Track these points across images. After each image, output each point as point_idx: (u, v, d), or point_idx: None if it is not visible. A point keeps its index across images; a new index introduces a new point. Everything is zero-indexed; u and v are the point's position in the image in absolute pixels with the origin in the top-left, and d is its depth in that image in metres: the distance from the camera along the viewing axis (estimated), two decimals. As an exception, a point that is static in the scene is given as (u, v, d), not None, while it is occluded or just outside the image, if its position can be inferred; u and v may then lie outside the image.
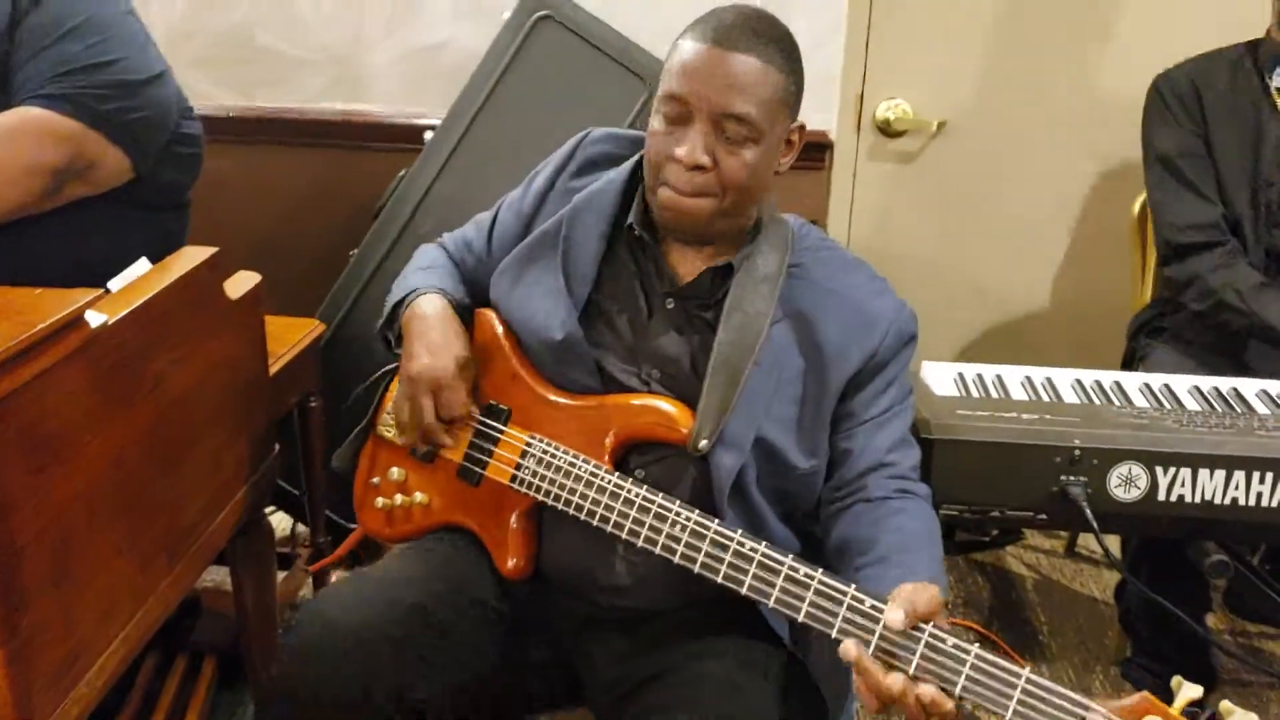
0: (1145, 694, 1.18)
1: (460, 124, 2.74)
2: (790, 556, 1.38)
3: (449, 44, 3.02)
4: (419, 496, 1.69)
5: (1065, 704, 1.20)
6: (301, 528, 2.96)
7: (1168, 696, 1.19)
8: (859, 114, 3.10)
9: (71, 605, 1.35)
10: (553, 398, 1.61)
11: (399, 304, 1.70)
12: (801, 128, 1.56)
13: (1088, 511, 1.64)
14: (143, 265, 1.63)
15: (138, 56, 2.08)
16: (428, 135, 2.81)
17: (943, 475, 1.69)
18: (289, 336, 2.38)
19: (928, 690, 1.25)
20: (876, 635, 1.29)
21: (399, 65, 3.07)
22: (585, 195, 1.63)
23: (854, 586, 1.33)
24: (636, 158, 1.62)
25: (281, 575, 2.69)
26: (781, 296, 1.55)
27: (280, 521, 3.01)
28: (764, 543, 1.40)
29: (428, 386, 1.60)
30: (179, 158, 2.18)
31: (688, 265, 1.59)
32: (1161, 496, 1.67)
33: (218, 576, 2.80)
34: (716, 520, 1.44)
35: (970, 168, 3.11)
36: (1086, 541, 3.12)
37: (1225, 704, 1.20)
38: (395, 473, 1.71)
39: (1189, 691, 1.19)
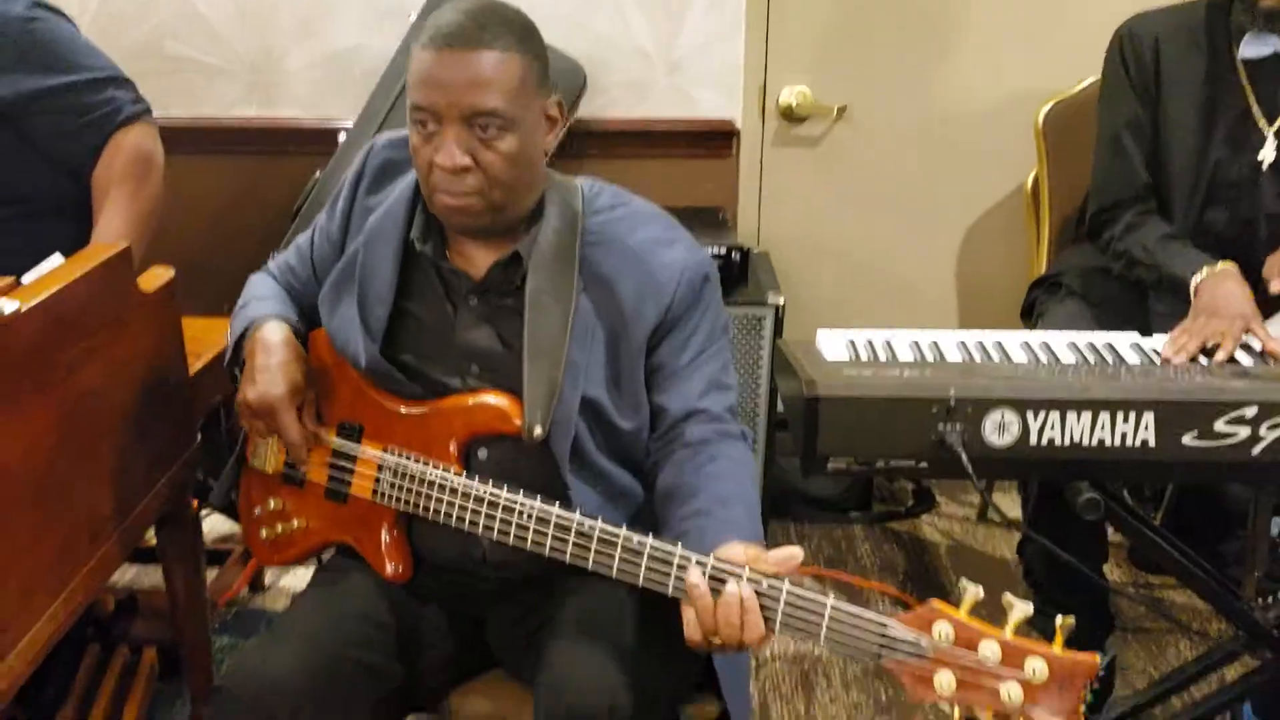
0: (932, 601, 1.30)
1: (372, 125, 2.82)
2: (623, 529, 1.45)
3: (359, 49, 3.09)
4: (297, 523, 1.75)
5: (867, 623, 1.32)
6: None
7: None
8: (763, 101, 3.21)
9: (-6, 581, 1.42)
10: (397, 408, 1.66)
11: (242, 338, 1.72)
12: (559, 102, 1.57)
13: (964, 457, 1.73)
14: (55, 259, 1.70)
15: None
16: (341, 137, 2.89)
17: (829, 431, 1.77)
18: (211, 337, 2.44)
19: (746, 589, 1.35)
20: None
21: (311, 71, 3.14)
22: (375, 220, 1.67)
23: (680, 546, 1.41)
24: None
25: (215, 571, 2.76)
26: (581, 266, 1.59)
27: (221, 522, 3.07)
28: (599, 519, 1.47)
29: (261, 410, 1.63)
30: None
31: (476, 262, 1.63)
32: (1033, 441, 1.76)
33: (155, 578, 2.86)
34: (559, 505, 1.51)
35: (871, 150, 3.24)
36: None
37: (1006, 596, 1.28)
38: (273, 503, 1.77)
39: (1020, 610, 1.27)
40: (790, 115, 3.22)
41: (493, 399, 1.60)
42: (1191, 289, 2.20)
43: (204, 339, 2.40)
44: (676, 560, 1.41)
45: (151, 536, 2.06)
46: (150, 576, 2.90)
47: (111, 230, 2.19)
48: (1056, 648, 1.26)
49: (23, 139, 2.17)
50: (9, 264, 2.09)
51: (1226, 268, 2.20)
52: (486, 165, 1.50)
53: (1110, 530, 3.08)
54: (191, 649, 2.18)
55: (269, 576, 2.90)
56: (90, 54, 2.25)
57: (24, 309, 1.46)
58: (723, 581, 1.37)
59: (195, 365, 2.23)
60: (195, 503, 2.13)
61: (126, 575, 2.88)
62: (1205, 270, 2.20)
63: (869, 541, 3.16)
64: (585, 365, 1.58)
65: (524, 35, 1.51)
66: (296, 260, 1.83)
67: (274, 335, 1.68)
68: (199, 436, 2.05)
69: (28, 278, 1.61)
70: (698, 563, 1.39)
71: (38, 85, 2.15)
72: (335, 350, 1.71)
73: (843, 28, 3.16)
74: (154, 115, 2.35)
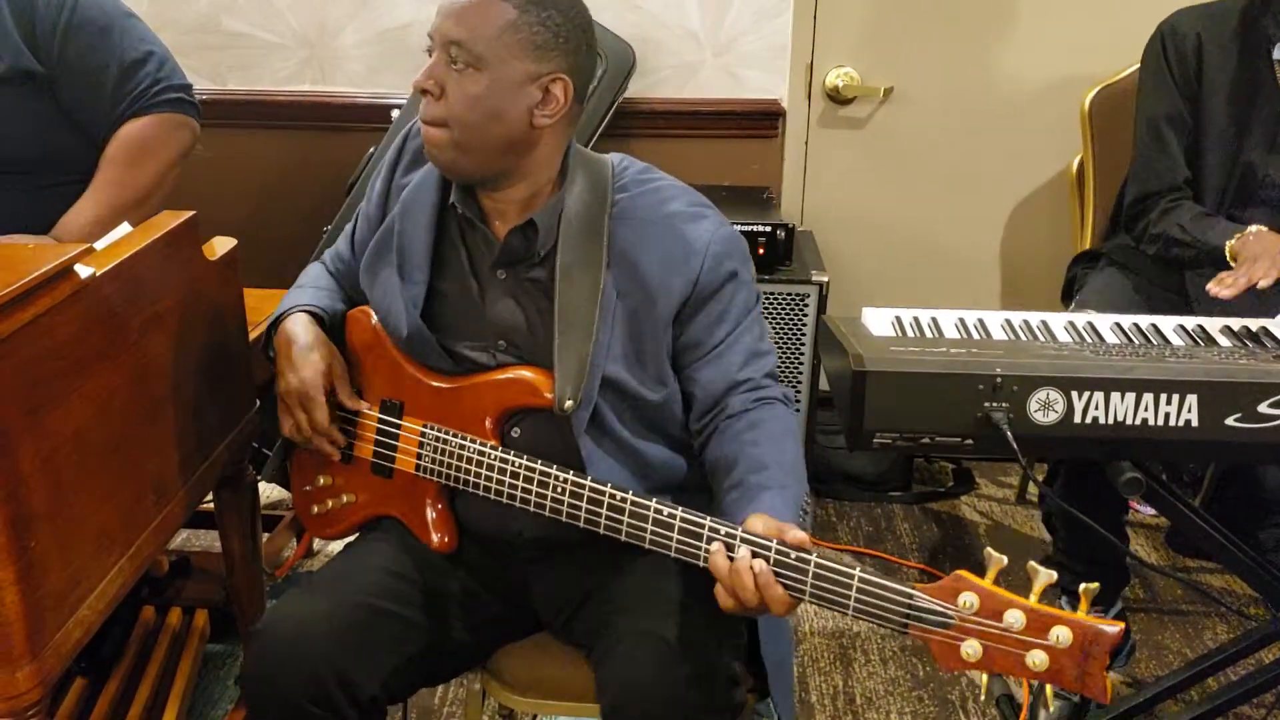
0: (958, 571, 1.32)
1: (425, 101, 2.85)
2: (653, 500, 1.50)
3: (412, 25, 3.14)
4: (346, 497, 1.81)
5: (893, 594, 1.34)
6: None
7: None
8: (809, 82, 3.23)
9: (70, 535, 1.47)
10: (435, 384, 1.70)
11: (274, 326, 1.79)
12: (563, 80, 1.55)
13: (1009, 434, 1.76)
14: (124, 228, 1.75)
15: (159, 42, 2.32)
16: (394, 114, 2.93)
17: (876, 406, 1.79)
18: (267, 307, 2.47)
19: (758, 563, 1.38)
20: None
21: (364, 47, 3.19)
22: (411, 189, 1.71)
23: (709, 519, 1.45)
24: None
25: (266, 536, 2.83)
26: (609, 241, 1.62)
27: (268, 489, 3.14)
28: (631, 493, 1.51)
29: (295, 401, 1.71)
30: None
31: (499, 233, 1.66)
32: (1077, 419, 1.78)
33: (206, 540, 2.94)
34: (591, 478, 1.55)
35: (917, 131, 3.25)
36: (1035, 489, 3.26)
37: (1030, 565, 1.30)
38: (322, 480, 1.83)
39: (1044, 577, 1.28)
40: (837, 96, 3.24)
41: (523, 373, 1.64)
42: (1228, 252, 2.24)
43: (260, 308, 2.46)
44: (706, 532, 1.45)
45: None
46: (201, 539, 2.98)
47: (79, 215, 2.20)
48: (1081, 614, 1.28)
49: (61, 108, 2.20)
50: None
51: (1259, 227, 2.24)
52: (450, 97, 1.53)
53: (1150, 513, 3.12)
54: (246, 611, 2.23)
55: (317, 542, 2.97)
56: (125, 36, 2.24)
57: (98, 274, 1.51)
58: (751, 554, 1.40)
59: (251, 334, 2.29)
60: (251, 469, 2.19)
61: (178, 538, 2.95)
62: (1237, 235, 2.25)
63: (908, 521, 3.19)
64: (608, 344, 1.61)
65: (535, 1, 1.53)
66: (344, 246, 1.89)
67: (294, 326, 1.76)
68: (257, 403, 2.10)
69: (100, 243, 1.66)
70: (727, 534, 1.43)
71: (76, 62, 2.17)
72: (376, 326, 1.76)
73: (890, 9, 3.18)
74: (203, 90, 2.37)
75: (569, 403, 1.59)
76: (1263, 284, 2.02)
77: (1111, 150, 2.84)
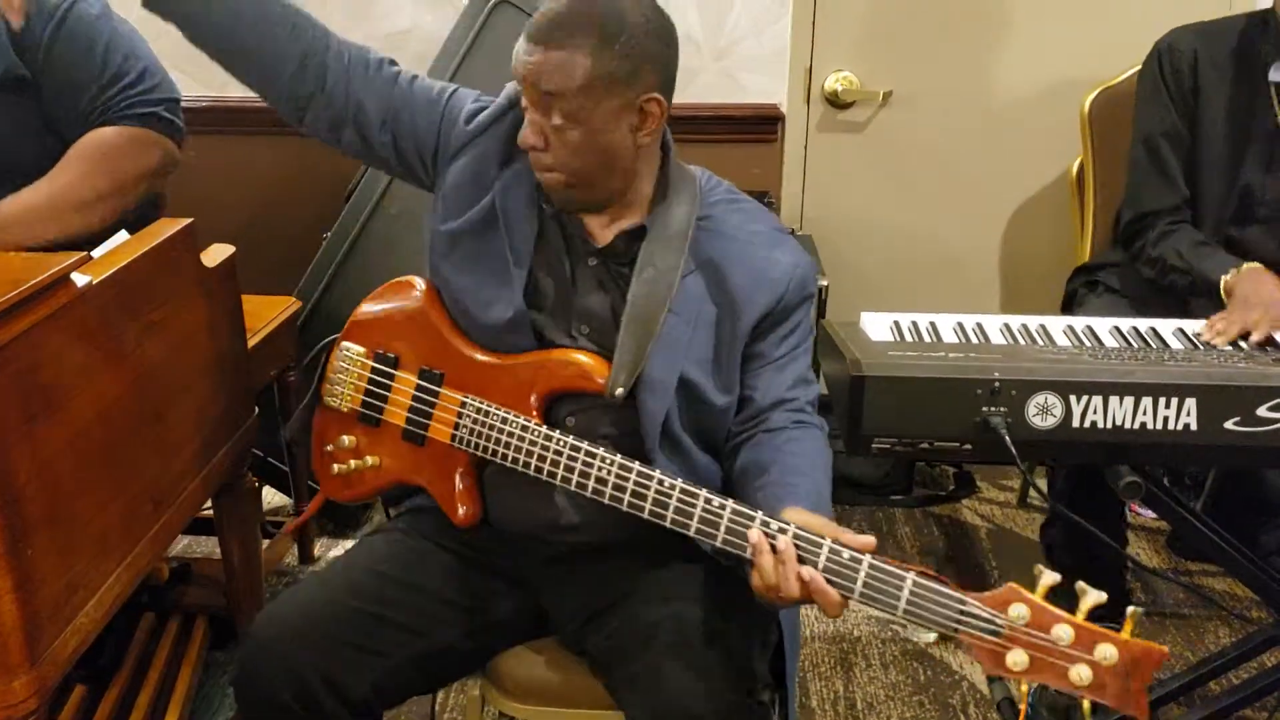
0: (1010, 584, 1.35)
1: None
2: (705, 490, 1.51)
3: (411, 32, 3.13)
4: (370, 460, 1.80)
5: (946, 600, 1.37)
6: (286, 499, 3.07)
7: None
8: (808, 87, 3.23)
9: (67, 543, 1.47)
10: (481, 358, 1.72)
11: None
12: (656, 99, 1.59)
13: (1007, 439, 1.75)
14: (121, 236, 1.75)
15: (148, 55, 2.27)
16: (394, 119, 2.92)
17: (874, 411, 1.79)
18: (267, 313, 2.51)
19: (807, 570, 1.40)
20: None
21: (365, 53, 3.17)
22: (512, 175, 1.72)
23: (760, 512, 1.47)
24: None
25: (267, 542, 2.83)
26: (692, 249, 1.67)
27: (270, 496, 3.14)
28: (680, 479, 1.53)
29: None
30: None
31: (602, 231, 1.70)
32: (1076, 424, 1.78)
33: (207, 547, 2.94)
34: (638, 463, 1.56)
35: (916, 135, 3.25)
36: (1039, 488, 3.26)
37: (1080, 585, 1.34)
38: (346, 440, 1.82)
39: (1093, 597, 1.32)
40: (836, 100, 3.24)
41: (580, 357, 1.67)
42: (1221, 287, 2.23)
43: (259, 314, 2.48)
44: (758, 522, 1.46)
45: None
46: (202, 546, 2.97)
47: (13, 201, 2.09)
48: (1126, 634, 1.31)
49: (44, 116, 2.17)
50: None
51: (1255, 266, 2.23)
52: (555, 150, 1.59)
53: (1152, 516, 3.12)
54: (245, 618, 2.23)
55: (319, 548, 2.97)
56: (110, 50, 2.20)
57: (95, 282, 1.51)
58: (804, 552, 1.42)
59: (251, 341, 2.29)
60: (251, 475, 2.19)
61: (179, 545, 2.95)
62: (1233, 270, 2.23)
63: (910, 524, 3.19)
64: (687, 343, 1.65)
65: (607, 37, 1.54)
66: (420, 91, 1.81)
67: None
68: (256, 410, 2.10)
69: (97, 252, 1.66)
70: (779, 529, 1.44)
71: (61, 73, 2.15)
72: (423, 295, 1.77)
73: (889, 13, 3.18)
74: (202, 97, 2.32)
75: (619, 390, 1.61)
76: (1254, 338, 2.01)
77: (1111, 153, 2.83)
